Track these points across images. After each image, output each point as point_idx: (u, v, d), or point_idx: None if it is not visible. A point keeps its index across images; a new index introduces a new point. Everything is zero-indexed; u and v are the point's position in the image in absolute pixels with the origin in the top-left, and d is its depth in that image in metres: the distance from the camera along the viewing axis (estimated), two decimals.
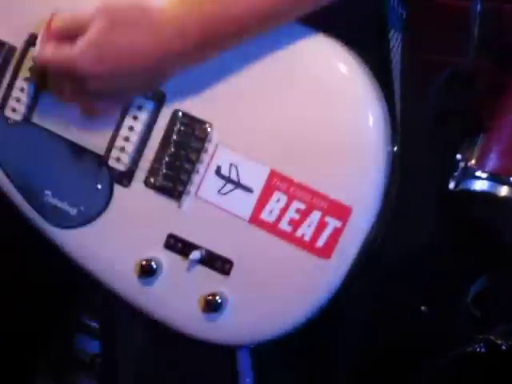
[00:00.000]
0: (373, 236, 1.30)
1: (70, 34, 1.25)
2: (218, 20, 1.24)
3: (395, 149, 1.31)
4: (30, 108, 1.37)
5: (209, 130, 1.31)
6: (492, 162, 2.09)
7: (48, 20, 1.28)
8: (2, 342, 1.66)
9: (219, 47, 1.26)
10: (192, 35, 1.23)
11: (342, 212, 1.29)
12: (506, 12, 2.35)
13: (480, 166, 2.06)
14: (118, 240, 1.35)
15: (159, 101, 1.32)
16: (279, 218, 1.30)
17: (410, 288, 1.44)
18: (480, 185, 2.04)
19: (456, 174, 2.05)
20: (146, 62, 1.24)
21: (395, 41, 1.38)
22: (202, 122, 1.31)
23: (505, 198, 2.04)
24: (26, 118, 1.37)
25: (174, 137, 1.32)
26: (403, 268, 1.44)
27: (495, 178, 2.05)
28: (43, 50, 1.27)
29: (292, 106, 1.29)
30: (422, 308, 1.42)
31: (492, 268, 2.19)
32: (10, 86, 1.37)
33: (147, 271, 1.32)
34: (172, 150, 1.32)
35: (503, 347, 1.80)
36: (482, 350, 1.81)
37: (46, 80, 1.31)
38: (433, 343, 1.81)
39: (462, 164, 2.06)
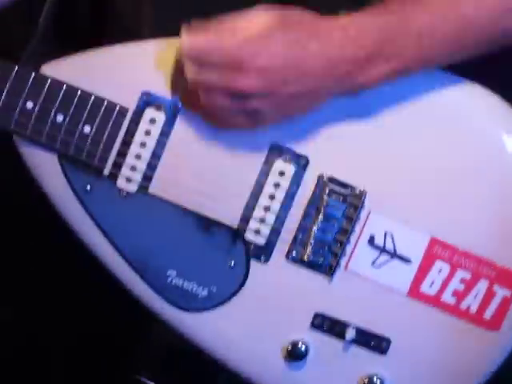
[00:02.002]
0: None
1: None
2: (396, 31, 1.09)
3: None
4: (147, 177, 1.17)
5: (362, 195, 1.15)
6: None
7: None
8: None
9: (397, 65, 1.11)
10: (365, 44, 1.08)
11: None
12: None
13: None
14: (257, 323, 1.20)
15: (302, 165, 1.16)
16: (442, 290, 1.19)
17: None
18: None
19: None
20: (316, 63, 1.08)
21: None
22: (352, 188, 1.15)
23: None
24: (143, 188, 1.18)
25: (323, 205, 1.16)
26: None
27: None
28: (194, 38, 1.09)
29: (456, 170, 1.16)
30: None
31: None
32: (123, 153, 1.17)
33: (295, 356, 1.18)
34: (321, 219, 1.16)
35: None
36: None
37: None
38: None
39: None
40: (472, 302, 1.18)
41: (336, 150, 1.18)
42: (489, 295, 1.18)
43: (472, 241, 1.17)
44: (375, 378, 1.19)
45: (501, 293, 1.18)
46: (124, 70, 1.19)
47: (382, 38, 1.09)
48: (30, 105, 1.16)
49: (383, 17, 1.09)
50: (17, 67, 1.16)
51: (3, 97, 1.16)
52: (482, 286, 1.18)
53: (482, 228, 1.17)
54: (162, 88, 1.17)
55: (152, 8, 1.24)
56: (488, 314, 1.19)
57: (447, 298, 1.18)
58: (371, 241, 1.18)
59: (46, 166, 1.19)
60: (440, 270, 1.18)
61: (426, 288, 1.18)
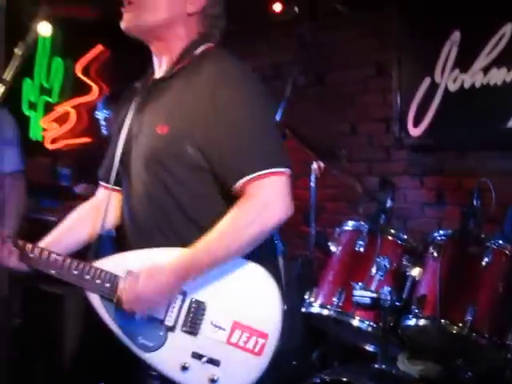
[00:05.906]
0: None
1: None
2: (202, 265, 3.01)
3: (285, 307, 3.14)
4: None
5: (206, 305, 3.10)
6: (320, 299, 4.56)
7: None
8: None
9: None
10: (183, 276, 2.90)
11: (264, 336, 3.07)
12: (329, 234, 4.80)
13: (315, 300, 4.57)
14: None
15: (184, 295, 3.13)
16: (239, 341, 3.06)
17: None
18: (314, 309, 4.51)
19: (304, 304, 4.47)
20: (164, 290, 2.93)
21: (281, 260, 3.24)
22: (201, 303, 3.12)
23: (327, 316, 4.49)
24: None
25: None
26: None
27: (322, 306, 4.54)
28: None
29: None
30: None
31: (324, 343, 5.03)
32: None
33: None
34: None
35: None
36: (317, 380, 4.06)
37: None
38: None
39: (307, 299, 4.52)
40: (250, 344, 3.02)
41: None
42: (256, 342, 3.03)
43: (249, 320, 3.07)
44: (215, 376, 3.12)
45: (261, 341, 3.04)
46: None
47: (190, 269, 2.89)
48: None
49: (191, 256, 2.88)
50: None
51: None
52: (253, 338, 3.07)
53: (254, 317, 3.09)
54: None
55: None
56: (256, 348, 3.05)
57: (241, 343, 3.08)
58: (212, 322, 3.12)
59: None
60: (240, 333, 3.06)
61: (234, 340, 3.06)
